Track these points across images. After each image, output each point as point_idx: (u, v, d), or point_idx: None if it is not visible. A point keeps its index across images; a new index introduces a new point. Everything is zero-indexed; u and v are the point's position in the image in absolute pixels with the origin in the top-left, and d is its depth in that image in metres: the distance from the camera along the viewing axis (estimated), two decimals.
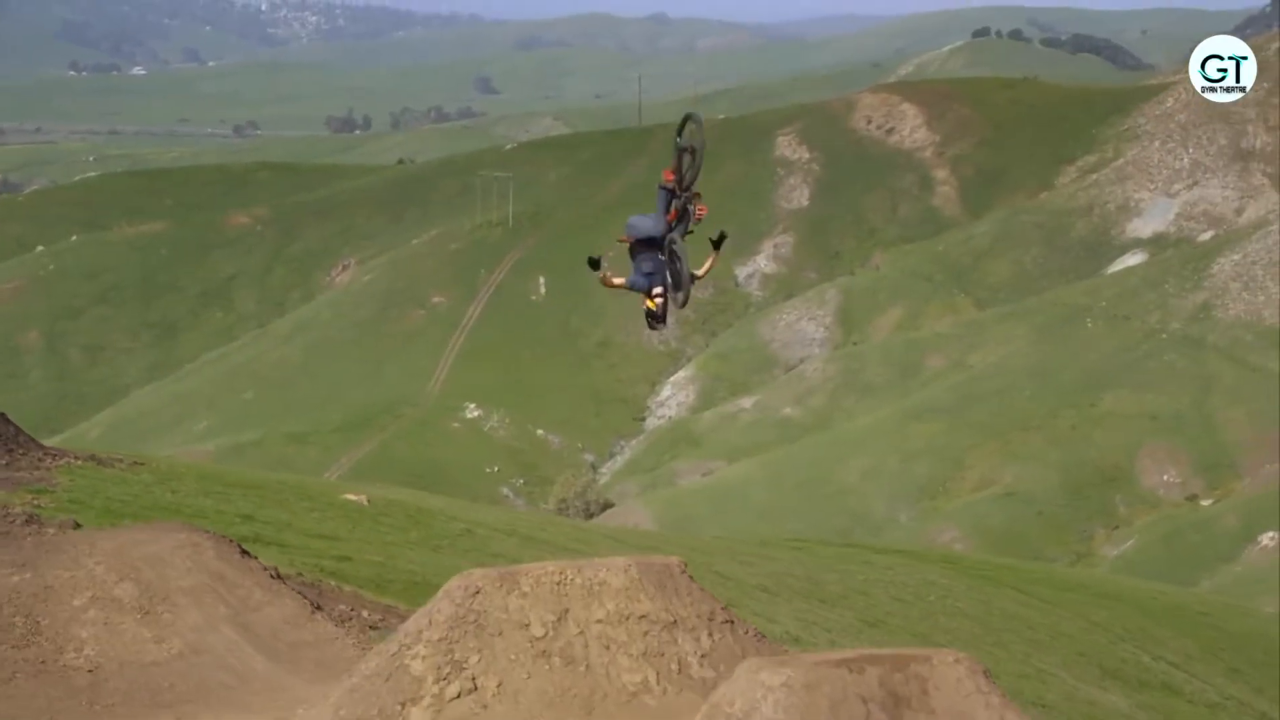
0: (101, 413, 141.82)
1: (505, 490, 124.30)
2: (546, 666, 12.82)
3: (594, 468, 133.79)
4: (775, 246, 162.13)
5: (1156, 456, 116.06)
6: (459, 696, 12.62)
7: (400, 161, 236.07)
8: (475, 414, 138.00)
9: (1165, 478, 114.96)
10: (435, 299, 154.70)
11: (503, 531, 33.59)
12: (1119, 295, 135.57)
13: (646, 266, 15.45)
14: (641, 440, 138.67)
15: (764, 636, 13.64)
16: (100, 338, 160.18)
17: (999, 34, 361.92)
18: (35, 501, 22.15)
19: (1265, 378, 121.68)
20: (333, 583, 21.39)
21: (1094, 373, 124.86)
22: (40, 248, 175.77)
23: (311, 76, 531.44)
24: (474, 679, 12.64)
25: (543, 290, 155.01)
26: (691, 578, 13.76)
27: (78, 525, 20.52)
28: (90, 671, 16.38)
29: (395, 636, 13.55)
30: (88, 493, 24.01)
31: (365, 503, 31.60)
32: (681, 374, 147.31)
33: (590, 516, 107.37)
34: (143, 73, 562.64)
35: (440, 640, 12.94)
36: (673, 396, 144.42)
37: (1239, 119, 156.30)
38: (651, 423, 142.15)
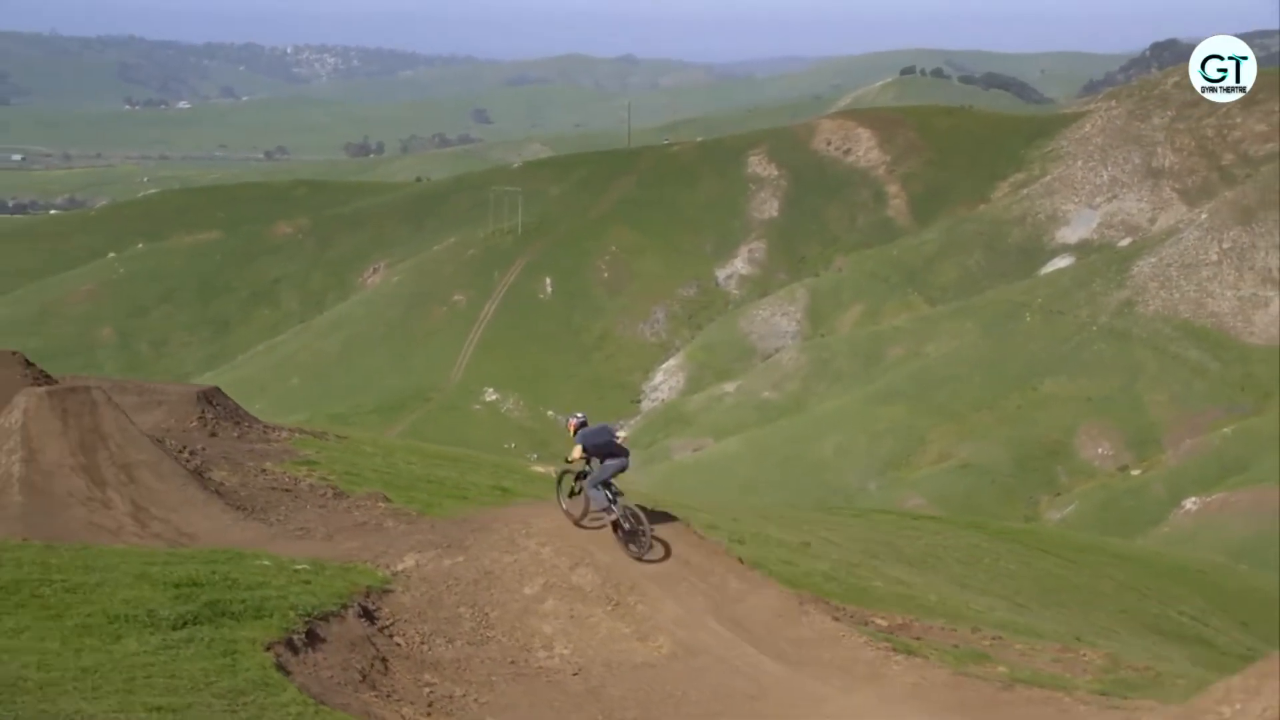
0: None
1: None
2: None
3: None
4: (750, 251, 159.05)
5: (1092, 433, 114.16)
6: None
7: (418, 179, 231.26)
8: (493, 398, 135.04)
9: (1100, 451, 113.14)
10: (456, 298, 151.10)
11: (674, 505, 29.80)
12: (1053, 293, 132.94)
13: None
14: (638, 420, 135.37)
15: None
16: (165, 333, 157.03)
17: (923, 72, 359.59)
18: (319, 475, 18.00)
19: (1183, 364, 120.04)
20: None
21: (1034, 361, 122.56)
22: (111, 255, 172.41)
23: (331, 109, 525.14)
24: None
25: (549, 290, 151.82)
26: None
27: (387, 499, 16.52)
28: (575, 674, 12.22)
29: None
30: (346, 465, 20.01)
31: (553, 474, 27.77)
32: (671, 362, 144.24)
33: None
34: (187, 106, 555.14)
35: None
36: (664, 382, 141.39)
37: (1150, 142, 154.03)
38: (646, 405, 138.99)
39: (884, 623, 14.68)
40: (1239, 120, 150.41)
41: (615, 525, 15.71)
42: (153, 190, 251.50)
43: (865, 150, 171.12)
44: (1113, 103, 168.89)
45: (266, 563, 12.22)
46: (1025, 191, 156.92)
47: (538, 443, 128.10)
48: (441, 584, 12.77)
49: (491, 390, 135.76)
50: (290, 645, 10.33)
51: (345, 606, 11.32)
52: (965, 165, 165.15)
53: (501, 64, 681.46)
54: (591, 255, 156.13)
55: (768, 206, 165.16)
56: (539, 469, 29.23)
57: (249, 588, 11.18)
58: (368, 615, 11.57)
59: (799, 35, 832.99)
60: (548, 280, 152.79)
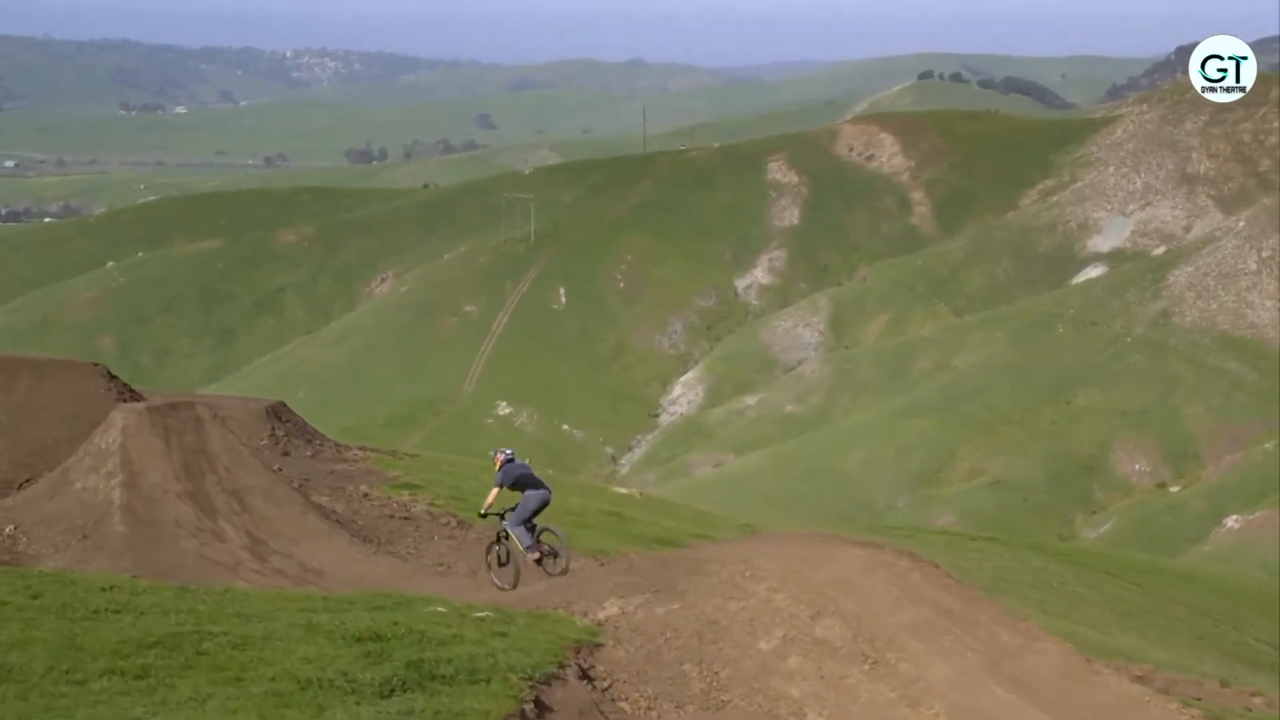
0: None
1: None
2: None
3: (614, 459, 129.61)
4: (770, 260, 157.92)
5: (1128, 448, 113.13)
6: None
7: (425, 186, 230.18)
8: (506, 411, 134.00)
9: (1137, 467, 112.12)
10: (467, 307, 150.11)
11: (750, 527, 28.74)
12: (1085, 303, 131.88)
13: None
14: (657, 434, 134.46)
15: None
16: (167, 342, 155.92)
17: (941, 76, 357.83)
18: (428, 500, 16.90)
19: (1222, 376, 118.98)
20: None
21: (1067, 373, 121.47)
22: (111, 263, 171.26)
23: (332, 114, 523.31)
24: None
25: (563, 299, 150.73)
26: None
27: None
28: None
29: None
30: (449, 488, 18.93)
31: (639, 496, 26.84)
32: (690, 375, 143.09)
33: None
34: (184, 111, 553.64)
35: None
36: (683, 395, 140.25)
37: (1184, 147, 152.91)
38: (665, 419, 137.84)
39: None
40: (1276, 125, 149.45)
41: (539, 560, 16.95)
42: (150, 197, 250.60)
43: (889, 156, 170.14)
44: (1144, 107, 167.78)
45: (442, 609, 10.92)
46: (1055, 198, 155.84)
47: (553, 457, 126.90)
48: (658, 636, 11.21)
49: (505, 403, 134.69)
50: (524, 718, 9.08)
51: (563, 666, 9.99)
52: (991, 171, 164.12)
53: (504, 68, 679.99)
54: (606, 263, 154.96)
55: (788, 214, 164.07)
56: (620, 490, 28.27)
57: (442, 643, 9.86)
58: (585, 675, 10.31)
59: (807, 39, 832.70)
60: (561, 289, 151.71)
